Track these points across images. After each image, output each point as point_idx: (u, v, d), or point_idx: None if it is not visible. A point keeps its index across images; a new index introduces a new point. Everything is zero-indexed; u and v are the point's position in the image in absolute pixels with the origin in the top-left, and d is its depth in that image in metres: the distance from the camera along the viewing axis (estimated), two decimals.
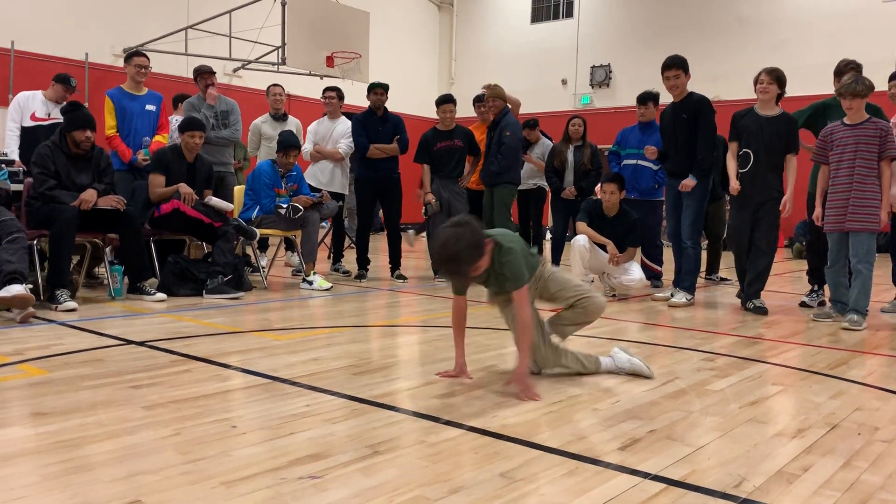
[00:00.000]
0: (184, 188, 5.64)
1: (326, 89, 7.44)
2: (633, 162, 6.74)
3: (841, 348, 4.10)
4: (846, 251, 4.93)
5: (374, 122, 6.97)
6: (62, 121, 6.11)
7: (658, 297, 6.02)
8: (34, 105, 6.58)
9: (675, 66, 5.74)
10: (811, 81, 5.56)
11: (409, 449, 2.24)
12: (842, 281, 5.05)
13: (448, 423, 2.51)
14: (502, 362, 3.51)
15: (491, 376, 3.22)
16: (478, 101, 7.45)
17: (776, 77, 5.31)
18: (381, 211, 7.84)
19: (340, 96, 7.48)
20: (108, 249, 5.40)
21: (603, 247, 6.07)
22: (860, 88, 4.77)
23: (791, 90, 5.53)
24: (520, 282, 3.01)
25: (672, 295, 5.80)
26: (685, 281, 5.77)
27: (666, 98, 6.35)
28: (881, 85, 5.59)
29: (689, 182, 5.59)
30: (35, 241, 4.99)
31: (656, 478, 2.05)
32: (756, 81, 5.38)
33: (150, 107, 6.43)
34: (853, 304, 4.84)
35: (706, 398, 2.94)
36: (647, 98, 6.80)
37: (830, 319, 5.07)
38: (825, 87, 5.88)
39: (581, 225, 6.12)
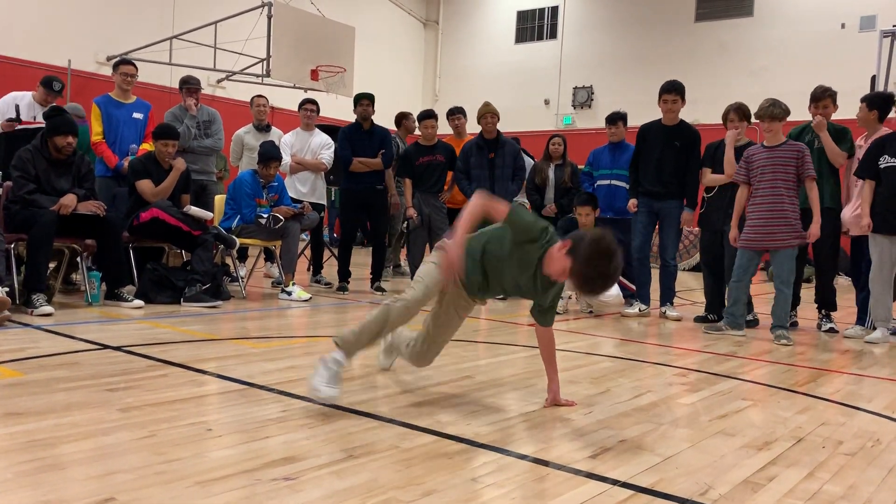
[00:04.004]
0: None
1: (307, 101, 7.43)
2: (607, 182, 6.85)
3: (810, 367, 4.18)
4: (753, 269, 5.19)
5: (361, 136, 6.92)
6: (37, 126, 6.09)
7: (628, 312, 6.13)
8: (19, 107, 6.46)
9: (675, 92, 6.09)
10: (789, 107, 5.74)
11: (383, 454, 2.26)
12: (742, 298, 5.22)
13: (423, 429, 2.54)
14: (479, 373, 3.54)
15: (467, 385, 3.26)
16: (451, 113, 7.59)
17: (742, 113, 5.80)
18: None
19: (318, 109, 7.51)
20: (84, 255, 5.37)
21: None
22: (777, 111, 5.03)
23: None
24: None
25: (633, 305, 6.25)
26: (670, 296, 6.17)
27: (635, 119, 6.51)
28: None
29: (687, 216, 6.10)
30: (13, 245, 4.96)
31: (625, 485, 2.10)
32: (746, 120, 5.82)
33: (137, 115, 6.42)
34: (776, 321, 5.04)
35: (677, 411, 3.00)
36: (617, 118, 6.90)
37: (721, 332, 5.23)
38: (801, 113, 6.07)
39: None
